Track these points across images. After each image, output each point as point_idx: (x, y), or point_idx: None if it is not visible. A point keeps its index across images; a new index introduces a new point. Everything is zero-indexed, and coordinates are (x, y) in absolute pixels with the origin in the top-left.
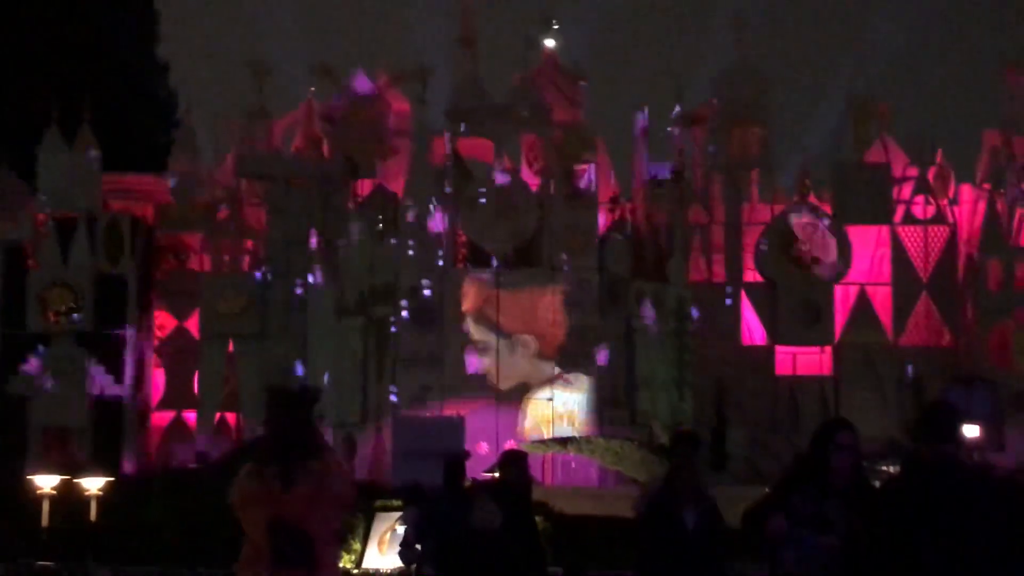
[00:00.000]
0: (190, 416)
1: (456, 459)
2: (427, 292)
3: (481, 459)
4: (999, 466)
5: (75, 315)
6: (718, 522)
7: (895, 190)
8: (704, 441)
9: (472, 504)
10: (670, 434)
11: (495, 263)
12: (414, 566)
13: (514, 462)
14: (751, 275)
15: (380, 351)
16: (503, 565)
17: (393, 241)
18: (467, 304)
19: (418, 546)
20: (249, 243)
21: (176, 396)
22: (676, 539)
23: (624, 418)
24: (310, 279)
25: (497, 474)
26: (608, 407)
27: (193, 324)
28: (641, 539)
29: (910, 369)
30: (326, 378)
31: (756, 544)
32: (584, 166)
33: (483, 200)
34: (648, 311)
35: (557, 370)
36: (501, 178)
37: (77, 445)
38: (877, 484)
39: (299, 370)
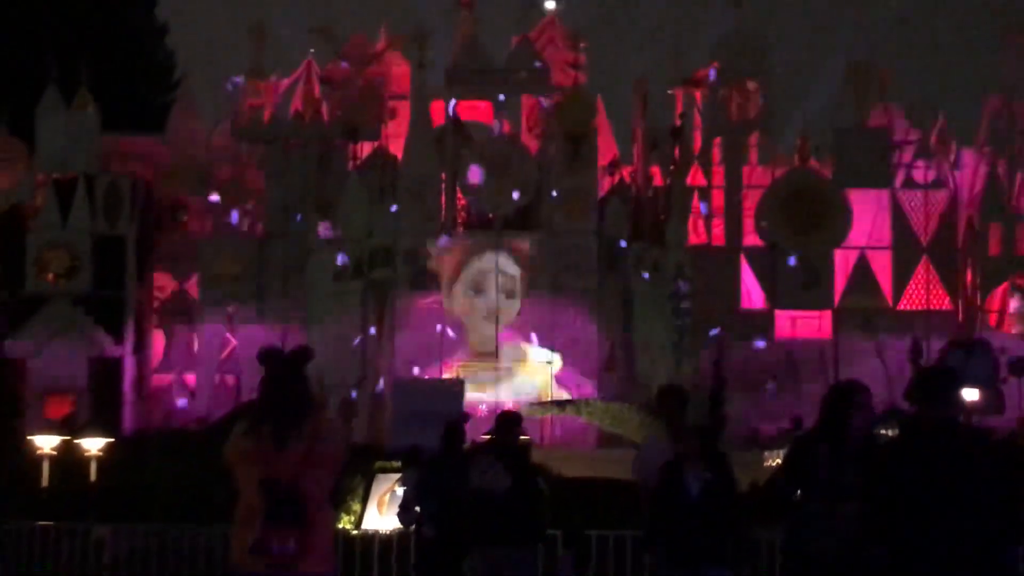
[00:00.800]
0: (189, 378)
1: (455, 421)
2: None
3: (480, 422)
4: (997, 429)
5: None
6: (726, 485)
7: (895, 154)
8: (696, 399)
9: (475, 466)
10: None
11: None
12: (413, 527)
13: (511, 424)
14: (750, 238)
15: (379, 313)
16: (510, 526)
17: (393, 204)
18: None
19: (417, 508)
20: (248, 205)
21: (175, 358)
22: (680, 506)
23: (623, 381)
24: (309, 241)
25: (493, 436)
26: (607, 369)
27: (192, 286)
28: (644, 507)
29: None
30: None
31: (774, 514)
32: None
33: (482, 163)
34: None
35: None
36: (500, 140)
37: (76, 406)
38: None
39: (298, 332)
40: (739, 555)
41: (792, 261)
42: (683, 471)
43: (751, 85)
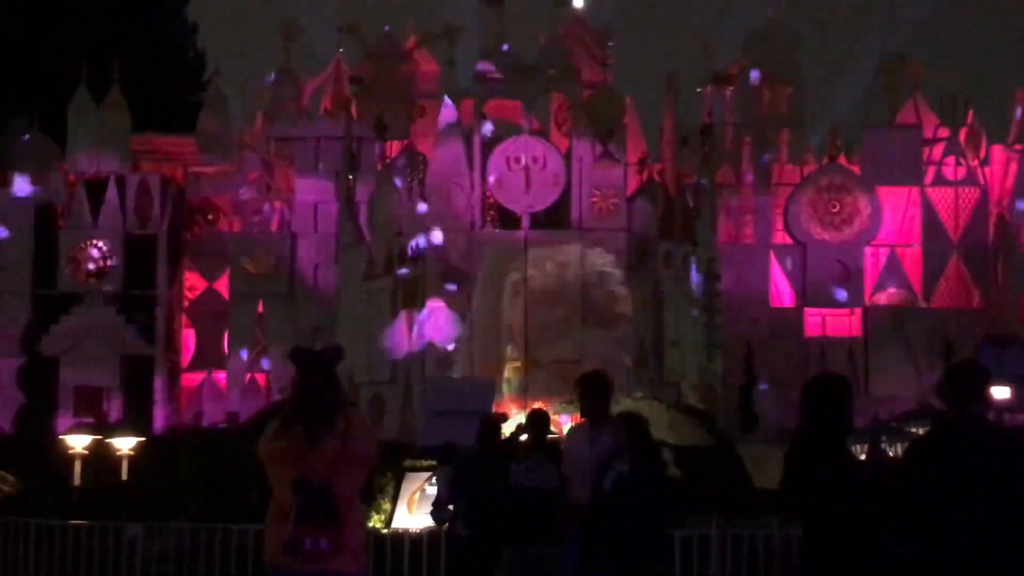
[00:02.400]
0: (220, 376)
1: (493, 419)
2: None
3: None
4: None
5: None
6: (645, 479)
7: (926, 151)
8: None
9: (518, 464)
10: (698, 394)
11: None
12: (446, 525)
13: (546, 422)
14: (780, 236)
15: (408, 311)
16: (552, 525)
17: (422, 203)
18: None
19: (450, 506)
20: (278, 204)
21: (206, 356)
22: (594, 502)
23: (652, 378)
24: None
25: (525, 436)
26: (636, 367)
27: (223, 285)
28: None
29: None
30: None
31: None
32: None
33: (511, 160)
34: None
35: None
36: (529, 139)
37: (108, 404)
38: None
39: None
40: (652, 554)
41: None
42: (610, 466)
43: (781, 81)
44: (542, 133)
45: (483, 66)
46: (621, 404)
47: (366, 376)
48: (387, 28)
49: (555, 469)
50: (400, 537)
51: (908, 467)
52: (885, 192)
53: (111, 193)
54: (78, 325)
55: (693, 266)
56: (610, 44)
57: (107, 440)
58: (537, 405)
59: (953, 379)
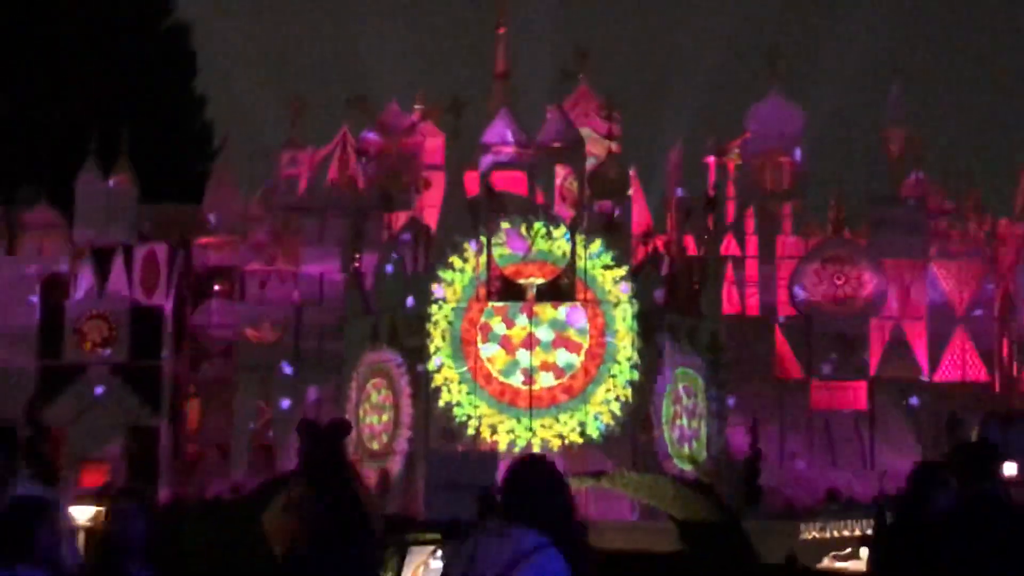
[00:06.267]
0: (226, 447)
1: (489, 492)
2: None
3: None
4: None
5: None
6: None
7: (931, 224)
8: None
9: None
10: (704, 467)
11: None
12: None
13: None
14: (785, 308)
15: (413, 382)
16: None
17: (426, 273)
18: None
19: None
20: (284, 274)
21: (212, 427)
22: None
23: (657, 451)
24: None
25: None
26: (641, 438)
27: (230, 353)
28: None
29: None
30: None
31: None
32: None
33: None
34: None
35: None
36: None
37: (112, 476)
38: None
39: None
40: None
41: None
42: None
43: (784, 154)
44: (547, 205)
45: (489, 138)
46: (627, 477)
47: (371, 447)
48: (394, 100)
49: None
50: None
51: (929, 544)
52: (890, 264)
53: (117, 263)
54: (83, 395)
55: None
56: (615, 116)
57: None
58: None
59: (966, 457)
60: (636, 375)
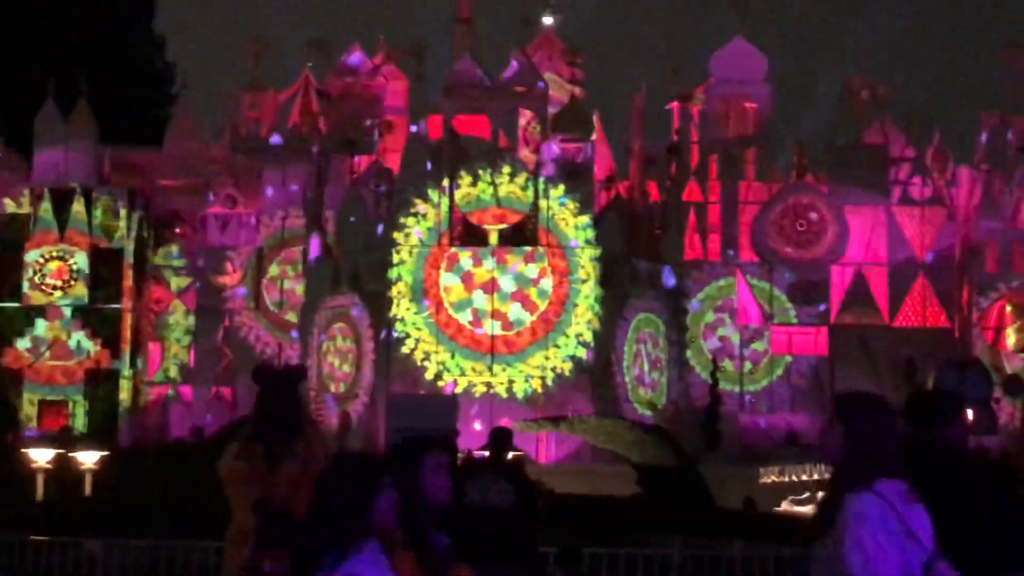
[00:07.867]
0: (185, 390)
1: (446, 436)
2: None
3: (475, 437)
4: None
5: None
6: None
7: (892, 171)
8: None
9: (474, 482)
10: (663, 412)
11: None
12: None
13: (506, 440)
14: (747, 254)
15: (374, 326)
16: (508, 544)
17: (387, 217)
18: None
19: None
20: (245, 217)
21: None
22: None
23: (617, 396)
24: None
25: (487, 452)
26: (601, 385)
27: (189, 298)
28: None
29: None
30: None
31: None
32: (580, 144)
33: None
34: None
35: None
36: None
37: (72, 419)
38: None
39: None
40: None
41: (788, 277)
42: None
43: (748, 100)
44: (510, 150)
45: (452, 82)
46: (586, 422)
47: (331, 392)
48: (356, 43)
49: (511, 488)
50: None
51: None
52: (851, 211)
53: (77, 206)
54: (42, 338)
55: (666, 278)
56: (579, 61)
57: (71, 454)
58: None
59: (925, 405)
60: (597, 320)
